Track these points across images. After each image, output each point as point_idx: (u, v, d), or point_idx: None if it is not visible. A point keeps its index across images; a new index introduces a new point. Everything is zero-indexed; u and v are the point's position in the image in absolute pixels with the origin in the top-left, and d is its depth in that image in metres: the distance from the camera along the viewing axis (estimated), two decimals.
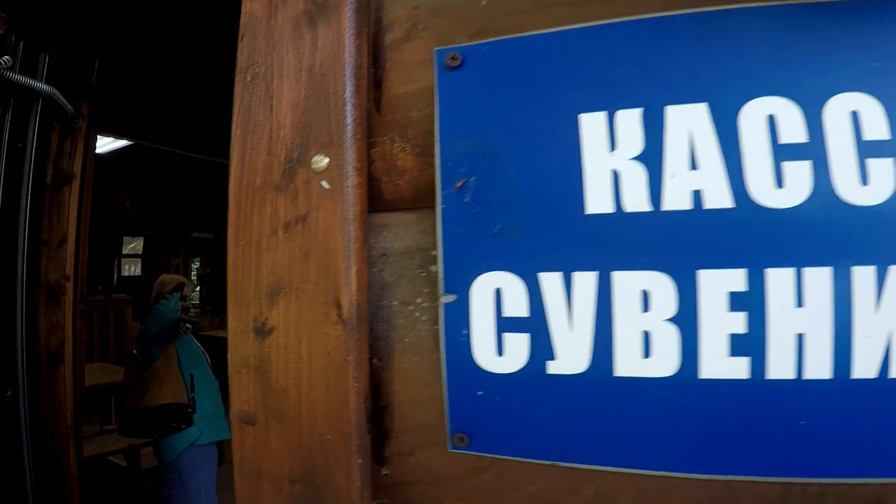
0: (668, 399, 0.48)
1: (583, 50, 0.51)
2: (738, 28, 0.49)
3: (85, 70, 1.80)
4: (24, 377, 1.53)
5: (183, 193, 6.51)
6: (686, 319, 0.48)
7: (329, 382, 0.52)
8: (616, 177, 0.49)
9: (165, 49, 2.91)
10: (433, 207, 0.55)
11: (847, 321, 0.45)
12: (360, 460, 0.51)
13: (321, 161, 0.53)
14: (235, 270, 0.56)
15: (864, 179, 0.45)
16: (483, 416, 0.52)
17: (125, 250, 6.22)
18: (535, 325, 0.50)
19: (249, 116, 0.57)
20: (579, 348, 0.49)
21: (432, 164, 0.55)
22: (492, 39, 0.53)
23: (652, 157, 0.49)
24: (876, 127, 0.45)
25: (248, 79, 0.58)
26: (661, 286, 0.48)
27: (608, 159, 0.49)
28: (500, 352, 0.51)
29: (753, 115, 0.47)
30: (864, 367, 0.45)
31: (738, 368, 0.47)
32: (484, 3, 0.54)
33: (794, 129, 0.47)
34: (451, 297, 0.52)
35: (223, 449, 2.76)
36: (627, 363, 0.49)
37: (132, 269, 6.32)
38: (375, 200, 0.56)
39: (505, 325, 0.51)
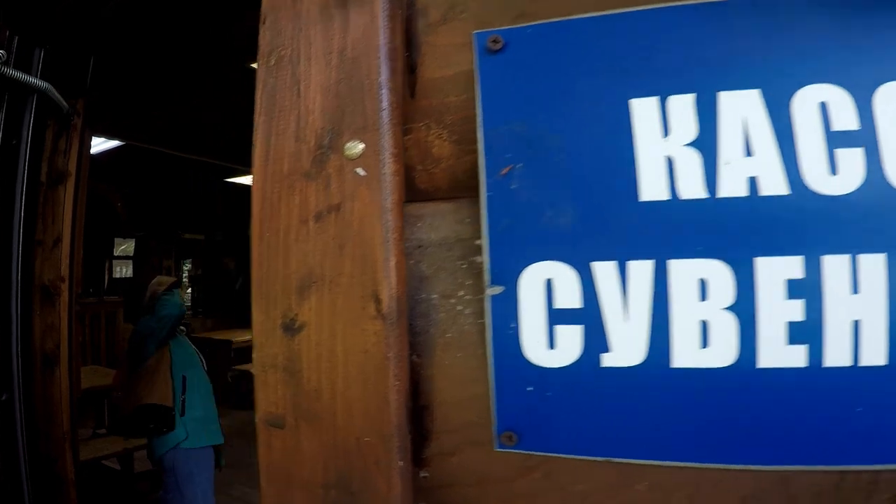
0: (726, 390, 0.46)
1: (632, 34, 0.49)
2: (790, 15, 0.47)
3: (80, 67, 1.72)
4: (19, 381, 1.45)
5: (174, 194, 6.36)
6: (744, 308, 0.45)
7: (367, 381, 0.47)
8: (670, 163, 0.47)
9: (160, 49, 2.83)
10: (472, 197, 0.51)
11: None
12: (401, 463, 0.47)
13: (355, 147, 0.48)
14: (261, 264, 0.51)
15: None
16: (532, 413, 0.48)
17: (116, 252, 6.03)
18: (589, 316, 0.46)
19: (274, 101, 0.52)
20: (635, 340, 0.46)
21: (471, 151, 0.51)
22: (535, 23, 0.50)
23: (706, 144, 0.46)
24: None
25: (272, 62, 0.53)
26: (719, 274, 0.46)
27: (662, 145, 0.47)
28: (551, 345, 0.47)
29: (806, 103, 0.46)
30: None
31: (797, 357, 0.45)
32: None
33: (845, 116, 0.45)
34: (498, 289, 0.48)
35: (219, 452, 2.67)
36: (685, 354, 0.46)
37: (123, 270, 6.13)
38: (408, 190, 0.52)
39: (556, 316, 0.47)
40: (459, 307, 0.50)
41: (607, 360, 0.47)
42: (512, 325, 0.47)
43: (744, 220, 0.46)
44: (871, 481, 0.44)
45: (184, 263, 6.94)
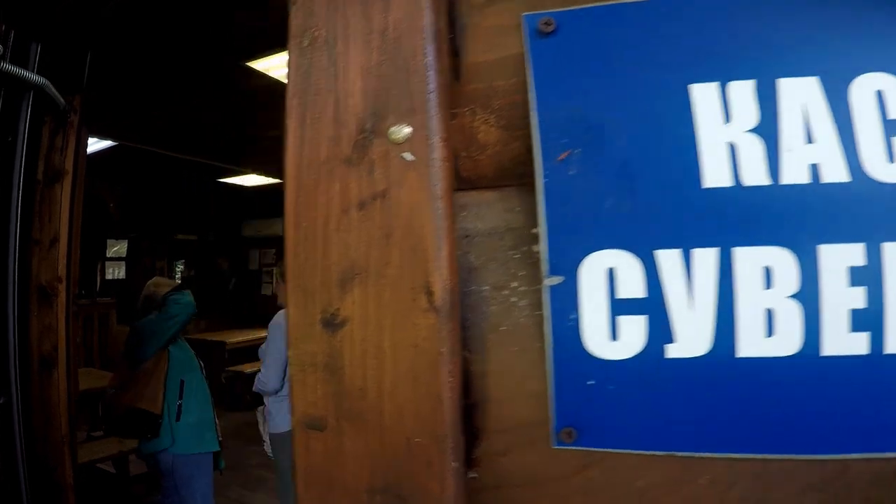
0: (790, 379, 0.43)
1: (690, 18, 0.46)
2: (846, 4, 0.45)
3: (77, 63, 1.64)
4: (16, 384, 1.38)
5: (168, 195, 6.20)
6: (808, 296, 0.43)
7: (418, 378, 0.43)
8: (733, 150, 0.44)
9: (154, 48, 2.74)
10: (520, 185, 0.48)
11: None
12: (455, 464, 0.43)
13: (402, 131, 0.44)
14: (297, 256, 0.47)
15: None
16: (593, 408, 0.44)
17: (109, 253, 5.84)
18: (653, 306, 0.43)
19: (309, 84, 0.48)
20: (701, 330, 0.43)
21: (519, 138, 0.48)
22: (589, 5, 0.46)
23: (768, 130, 0.44)
24: None
25: (305, 44, 0.49)
26: (784, 262, 0.43)
27: (723, 131, 0.44)
28: (613, 337, 0.44)
29: (863, 91, 0.44)
30: None
31: (859, 344, 0.43)
32: None
33: None
34: (557, 279, 0.44)
35: (219, 456, 2.54)
36: (750, 343, 0.43)
37: (116, 272, 5.93)
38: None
39: (619, 307, 0.43)
40: (513, 299, 0.46)
41: (672, 352, 0.43)
42: (572, 317, 0.44)
43: (806, 207, 0.44)
44: None
45: (176, 264, 6.78)
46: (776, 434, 0.44)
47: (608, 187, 0.44)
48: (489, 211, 0.48)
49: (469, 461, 0.46)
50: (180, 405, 2.35)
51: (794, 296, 0.43)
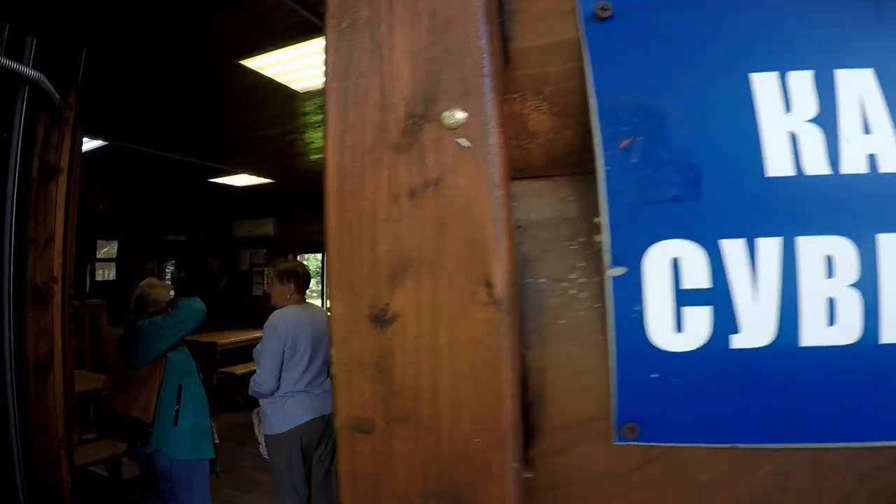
0: (849, 367, 0.42)
1: (751, 7, 0.44)
2: None
3: (72, 59, 1.56)
4: (12, 387, 1.30)
5: (158, 195, 6.02)
6: (867, 284, 0.41)
7: (478, 376, 0.40)
8: (794, 139, 0.42)
9: (148, 47, 2.65)
10: (572, 174, 0.45)
11: None
12: (515, 465, 0.40)
13: (456, 116, 0.41)
14: (340, 249, 0.43)
15: None
16: (656, 402, 0.41)
17: (99, 254, 5.63)
18: (718, 296, 0.41)
19: (350, 66, 0.44)
20: (765, 319, 0.40)
21: (572, 126, 0.45)
22: None
23: (827, 120, 0.42)
24: None
25: (345, 25, 0.45)
26: (845, 251, 0.41)
27: (784, 121, 0.42)
28: (678, 328, 0.41)
29: None
30: None
31: None
32: None
33: None
34: (620, 270, 0.41)
35: (215, 459, 2.43)
36: (813, 332, 0.41)
37: (106, 273, 5.72)
38: None
39: (684, 298, 0.40)
40: (572, 291, 0.43)
41: (737, 342, 0.41)
42: (636, 309, 0.41)
43: (865, 196, 0.43)
44: None
45: (167, 265, 6.59)
46: (835, 422, 0.42)
47: (671, 176, 0.42)
48: (541, 201, 0.45)
49: (524, 461, 0.43)
50: (178, 410, 2.24)
51: (853, 284, 0.41)
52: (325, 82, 0.45)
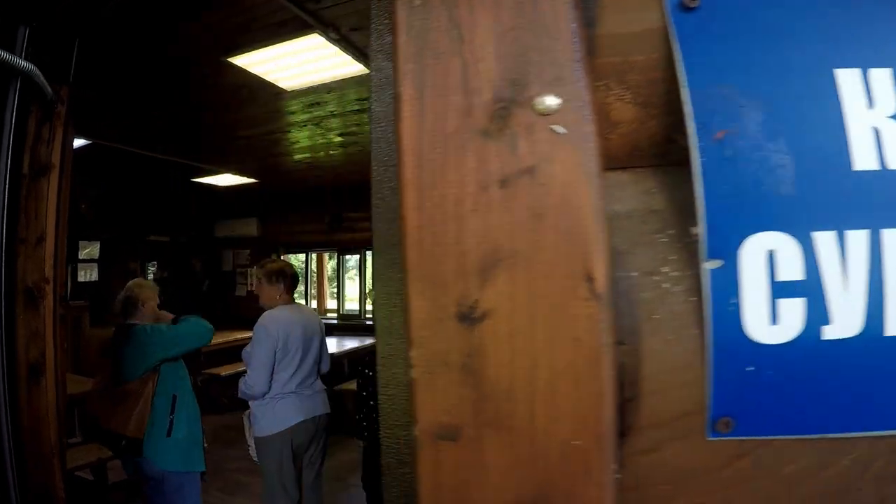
0: None
1: (833, 4, 0.42)
2: None
3: (64, 52, 1.44)
4: (5, 394, 1.19)
5: (141, 195, 5.73)
6: None
7: (578, 374, 0.35)
8: (877, 134, 0.40)
9: (135, 43, 2.50)
10: (654, 166, 0.42)
11: None
12: (613, 466, 0.36)
13: (549, 101, 0.36)
14: (421, 241, 0.38)
15: None
16: (750, 395, 0.38)
17: (81, 255, 5.29)
18: (811, 288, 0.38)
19: (425, 47, 0.39)
20: (854, 310, 0.38)
21: (656, 116, 0.41)
22: None
23: None
24: None
25: (417, 2, 0.40)
26: None
27: (868, 116, 0.40)
28: (773, 320, 0.38)
29: None
30: None
31: None
32: None
33: None
34: (717, 263, 0.38)
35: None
36: None
37: (88, 274, 5.38)
38: None
39: (779, 290, 0.38)
40: (666, 285, 0.39)
41: (828, 333, 0.39)
42: (733, 301, 0.38)
43: None
44: None
45: (148, 266, 6.29)
46: None
47: (765, 168, 0.39)
48: (624, 193, 0.41)
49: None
50: (171, 420, 2.07)
51: None
52: (399, 63, 0.40)
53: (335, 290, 6.94)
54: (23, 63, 1.16)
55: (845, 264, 0.39)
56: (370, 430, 2.52)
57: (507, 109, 0.37)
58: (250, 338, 2.55)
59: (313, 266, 6.97)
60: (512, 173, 0.37)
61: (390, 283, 0.58)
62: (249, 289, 6.61)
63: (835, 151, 0.40)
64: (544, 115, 0.37)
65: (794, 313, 0.39)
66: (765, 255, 0.38)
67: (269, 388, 2.44)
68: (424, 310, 0.37)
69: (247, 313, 6.50)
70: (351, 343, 5.27)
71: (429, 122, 0.38)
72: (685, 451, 0.40)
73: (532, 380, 0.36)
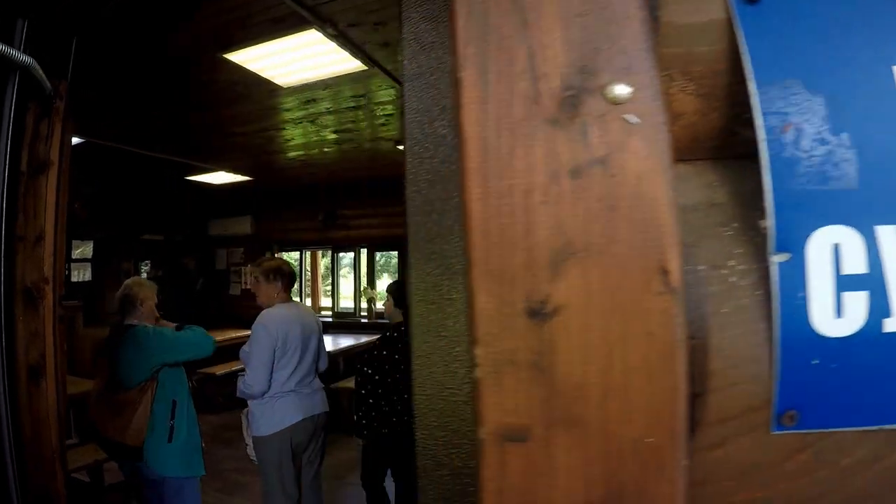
0: None
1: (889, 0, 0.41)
2: None
3: (63, 47, 1.38)
4: (6, 397, 1.13)
5: (134, 194, 5.58)
6: None
7: (652, 370, 0.34)
8: None
9: (129, 39, 2.43)
10: (714, 159, 0.40)
11: None
12: (685, 462, 0.35)
13: (620, 90, 0.35)
14: (486, 234, 0.36)
15: None
16: (814, 388, 0.37)
17: (74, 254, 5.13)
18: (874, 281, 0.37)
19: (487, 30, 0.37)
20: None
21: (717, 109, 0.40)
22: None
23: None
24: None
25: None
26: None
27: None
28: (838, 314, 0.37)
29: None
30: None
31: None
32: None
33: None
34: (785, 256, 0.37)
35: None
36: None
37: (82, 274, 5.21)
38: None
39: (844, 283, 0.37)
40: (733, 279, 0.38)
41: (889, 325, 0.38)
42: (800, 295, 0.37)
43: None
44: None
45: (142, 265, 6.14)
46: None
47: (830, 162, 0.38)
48: (687, 186, 0.40)
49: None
50: (172, 426, 2.01)
51: None
52: (459, 47, 0.37)
53: (328, 288, 6.87)
54: (22, 56, 1.10)
55: None
56: (369, 429, 2.49)
57: (577, 97, 0.35)
58: (245, 337, 2.49)
59: (307, 264, 6.88)
60: (583, 163, 0.35)
61: (428, 279, 0.56)
62: (244, 287, 6.51)
63: (894, 147, 0.39)
64: (615, 103, 0.35)
65: (857, 306, 0.38)
66: (830, 248, 0.37)
67: (269, 387, 2.40)
68: (491, 307, 0.35)
69: (241, 312, 6.40)
70: (346, 341, 5.21)
71: (493, 109, 0.36)
72: (749, 445, 0.39)
73: (605, 377, 0.34)
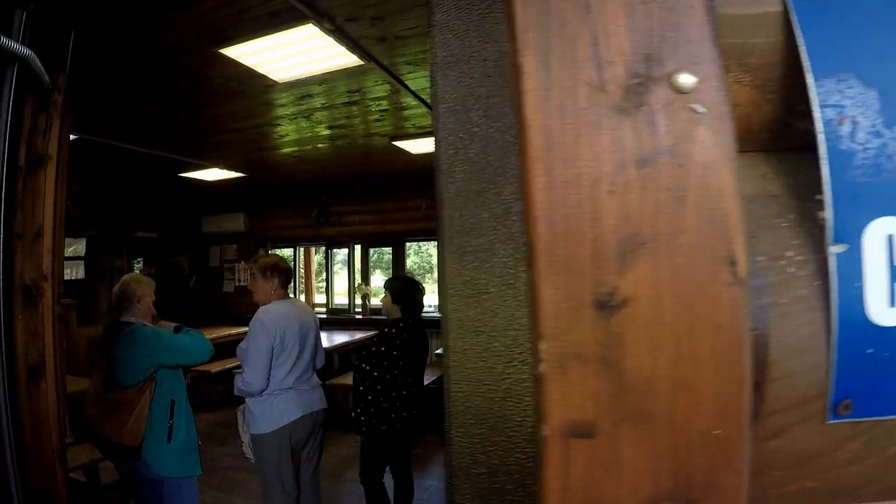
0: None
1: None
2: None
3: (61, 39, 1.33)
4: (6, 397, 1.09)
5: (127, 191, 5.43)
6: None
7: (720, 362, 0.33)
8: None
9: (124, 33, 2.35)
10: (766, 151, 0.40)
11: None
12: (749, 454, 0.34)
13: (686, 79, 0.34)
14: (551, 225, 0.34)
15: None
16: (869, 377, 0.37)
17: (67, 252, 4.99)
18: None
19: (548, 15, 0.35)
20: None
21: (771, 101, 0.39)
22: None
23: None
24: None
25: None
26: None
27: None
28: (892, 303, 0.37)
29: None
30: None
31: None
32: None
33: None
34: (843, 247, 0.36)
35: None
36: None
37: (74, 272, 5.06)
38: None
39: None
40: (791, 269, 0.37)
41: None
42: (856, 285, 0.36)
43: None
44: None
45: (135, 262, 5.99)
46: None
47: (885, 154, 0.38)
48: (743, 177, 0.39)
49: None
50: (171, 425, 1.95)
51: None
52: (516, 31, 0.36)
53: (321, 284, 6.80)
54: (20, 48, 1.05)
55: None
56: (368, 425, 2.47)
57: (643, 85, 0.34)
58: (239, 334, 2.44)
59: (301, 261, 6.80)
60: (650, 152, 0.34)
61: (464, 273, 0.54)
62: (237, 284, 6.40)
63: None
64: (683, 93, 0.34)
65: None
66: (884, 239, 0.37)
67: (268, 384, 2.35)
68: (558, 299, 0.34)
69: (235, 309, 6.30)
70: (340, 338, 5.17)
71: (556, 96, 0.35)
72: (803, 435, 0.38)
73: (673, 369, 0.33)
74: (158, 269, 5.70)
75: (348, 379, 4.20)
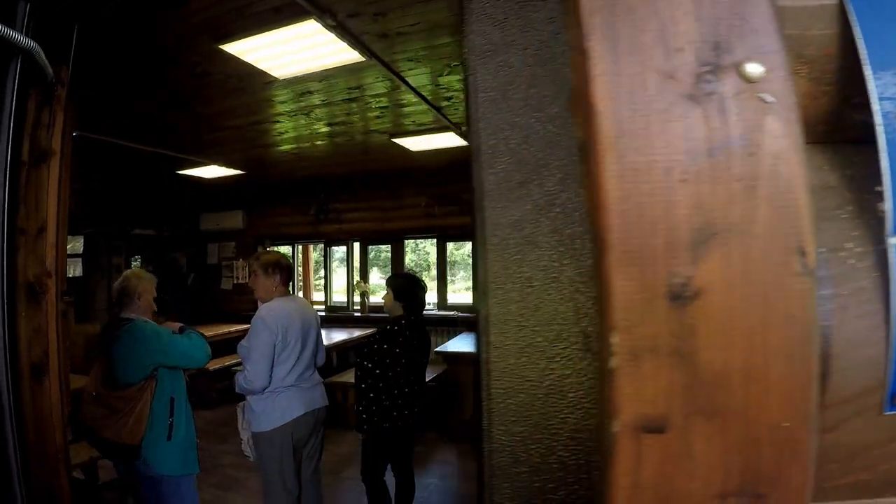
0: None
1: None
2: None
3: (65, 32, 1.29)
4: (9, 395, 1.05)
5: (125, 188, 5.31)
6: None
7: (791, 353, 0.32)
8: None
9: (125, 29, 2.29)
10: (823, 143, 0.39)
11: None
12: (815, 447, 0.34)
13: (754, 68, 0.33)
14: (623, 214, 0.33)
15: None
16: None
17: None
18: None
19: (615, 1, 0.35)
20: None
21: (827, 93, 0.39)
22: None
23: None
24: None
25: None
26: None
27: None
28: None
29: None
30: None
31: None
32: None
33: None
34: None
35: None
36: None
37: (72, 270, 4.93)
38: None
39: None
40: (851, 261, 0.37)
41: None
42: None
43: None
44: None
45: (133, 260, 5.87)
46: None
47: None
48: None
49: None
50: (171, 423, 1.91)
51: None
52: (580, 15, 0.35)
53: (319, 282, 6.74)
54: (25, 40, 1.02)
55: None
56: (370, 423, 2.45)
57: (713, 74, 0.33)
58: (238, 331, 2.40)
59: (299, 258, 6.73)
60: (721, 141, 0.33)
61: (507, 267, 0.53)
62: (236, 282, 6.31)
63: None
64: (752, 82, 0.33)
65: None
66: None
67: (269, 382, 2.32)
68: (631, 290, 0.33)
69: (233, 307, 6.21)
70: (339, 335, 5.12)
71: (626, 83, 0.34)
72: (860, 427, 0.38)
73: (746, 361, 0.32)
74: (157, 267, 5.59)
75: (347, 377, 4.16)
